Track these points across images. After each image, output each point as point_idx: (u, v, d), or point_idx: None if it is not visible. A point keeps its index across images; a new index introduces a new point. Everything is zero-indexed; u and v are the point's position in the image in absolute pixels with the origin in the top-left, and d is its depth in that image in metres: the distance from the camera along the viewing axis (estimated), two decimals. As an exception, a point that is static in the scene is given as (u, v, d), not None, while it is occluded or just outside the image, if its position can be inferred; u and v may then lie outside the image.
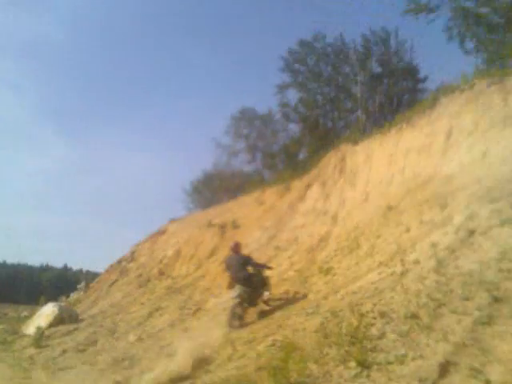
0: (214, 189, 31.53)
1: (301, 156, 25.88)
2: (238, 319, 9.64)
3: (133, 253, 24.10)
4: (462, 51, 18.48)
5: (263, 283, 10.20)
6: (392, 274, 7.75)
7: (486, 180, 9.48)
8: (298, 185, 17.81)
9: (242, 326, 9.53)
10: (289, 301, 10.13)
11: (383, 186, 13.17)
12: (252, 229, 16.98)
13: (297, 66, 25.58)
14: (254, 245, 15.33)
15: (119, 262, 24.35)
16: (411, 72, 24.49)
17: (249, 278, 10.00)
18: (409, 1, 18.17)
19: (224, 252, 16.54)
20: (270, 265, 11.18)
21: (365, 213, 12.51)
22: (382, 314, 6.14)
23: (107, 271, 24.55)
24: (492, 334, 4.67)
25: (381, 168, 13.93)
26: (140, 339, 11.99)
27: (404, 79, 24.51)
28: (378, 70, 24.72)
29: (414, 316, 5.67)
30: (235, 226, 18.49)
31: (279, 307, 9.91)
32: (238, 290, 9.87)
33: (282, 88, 25.78)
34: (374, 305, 6.62)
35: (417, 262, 7.50)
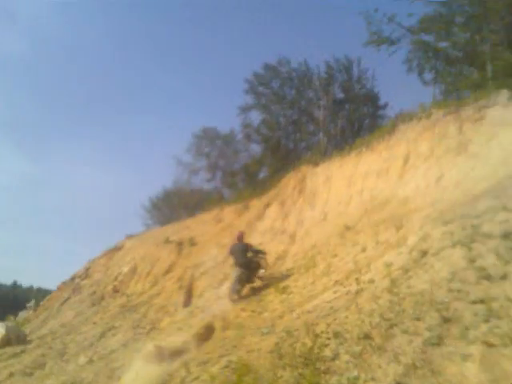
0: (173, 206, 31.27)
1: (261, 176, 26.10)
2: (236, 293, 11.44)
3: (87, 269, 23.37)
4: (420, 82, 19.19)
5: (257, 266, 12.07)
6: (347, 294, 7.78)
7: (439, 203, 9.76)
8: (256, 204, 17.84)
9: (240, 298, 11.34)
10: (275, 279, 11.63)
11: (341, 206, 13.36)
12: (209, 246, 16.81)
13: (261, 88, 26.00)
14: (210, 262, 15.16)
15: (72, 278, 23.53)
16: (372, 99, 25.35)
17: (248, 263, 11.84)
18: (371, 33, 18.76)
19: (181, 269, 16.34)
20: (263, 250, 12.64)
21: (322, 232, 12.62)
22: (336, 335, 6.10)
23: (59, 288, 23.64)
24: (442, 355, 4.68)
25: (340, 189, 14.16)
26: (91, 361, 11.54)
27: (365, 105, 25.32)
28: (341, 95, 25.44)
29: (367, 336, 5.65)
30: (193, 243, 18.28)
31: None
32: (237, 271, 11.66)
33: (245, 109, 26.04)
34: (329, 325, 6.57)
35: (371, 281, 7.55)
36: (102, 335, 13.75)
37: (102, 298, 18.21)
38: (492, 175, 9.08)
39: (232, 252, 12.24)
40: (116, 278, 19.38)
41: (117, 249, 23.77)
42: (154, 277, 17.56)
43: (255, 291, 11.57)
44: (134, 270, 19.14)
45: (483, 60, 15.57)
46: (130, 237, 25.03)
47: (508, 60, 14.55)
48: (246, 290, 11.75)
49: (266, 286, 11.53)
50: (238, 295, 11.43)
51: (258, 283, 11.93)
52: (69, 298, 20.80)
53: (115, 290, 18.32)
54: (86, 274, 22.89)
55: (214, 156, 29.05)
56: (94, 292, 19.46)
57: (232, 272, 12.04)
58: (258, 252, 12.29)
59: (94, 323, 15.54)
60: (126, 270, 19.62)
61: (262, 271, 12.06)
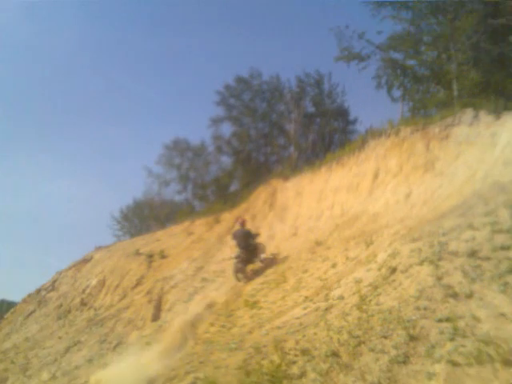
0: (143, 217, 31.05)
1: (232, 188, 26.08)
2: (241, 273, 12.78)
3: (54, 281, 22.75)
4: (389, 98, 19.57)
5: (256, 248, 13.28)
6: (316, 310, 7.77)
7: (408, 220, 9.92)
8: (227, 217, 17.81)
9: (246, 277, 12.60)
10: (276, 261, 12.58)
11: (312, 221, 13.46)
12: (180, 259, 16.64)
13: (232, 100, 25.99)
14: (180, 275, 14.97)
15: (38, 291, 22.87)
16: (342, 113, 25.79)
17: (248, 246, 13.09)
18: (342, 49, 19.10)
19: (150, 282, 16.11)
20: (258, 232, 14.18)
21: (293, 247, 12.67)
22: (304, 352, 6.07)
23: (24, 301, 22.91)
24: (407, 374, 4.70)
25: (310, 204, 14.28)
26: (54, 377, 11.25)
27: (335, 120, 25.66)
28: (312, 109, 25.80)
29: (335, 354, 5.65)
30: (163, 255, 18.06)
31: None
32: (237, 252, 13.00)
33: (217, 121, 26.01)
34: (297, 341, 6.55)
35: (341, 297, 7.58)
36: (67, 350, 13.40)
37: (69, 312, 17.76)
38: (458, 193, 9.28)
39: (235, 236, 13.57)
40: (84, 291, 18.93)
41: (85, 260, 23.23)
42: (122, 290, 17.22)
43: (257, 273, 12.79)
44: (102, 283, 18.73)
45: (449, 79, 16.00)
46: (99, 248, 24.55)
47: (473, 79, 15.00)
48: (248, 271, 13.00)
49: (236, 301, 11.44)
50: (242, 274, 12.80)
51: (258, 265, 13.15)
52: (34, 311, 20.21)
53: (82, 303, 17.88)
54: (53, 286, 22.29)
55: (185, 168, 28.96)
56: (61, 305, 18.96)
57: (233, 253, 13.41)
58: (256, 236, 13.67)
59: (60, 337, 15.15)
60: (94, 282, 19.19)
61: (263, 255, 13.23)
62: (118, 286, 17.73)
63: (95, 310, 16.76)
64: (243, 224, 14.01)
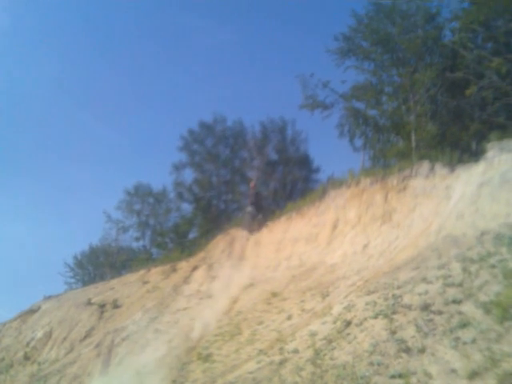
0: (98, 264, 29.96)
1: (191, 236, 25.62)
2: (252, 224, 16.45)
3: (-4, 334, 21.38)
4: (351, 147, 19.94)
5: (261, 204, 17.90)
6: (271, 364, 7.49)
7: (365, 271, 9.92)
8: (184, 266, 17.40)
9: (254, 228, 16.18)
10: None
11: (269, 271, 13.32)
12: (133, 309, 15.97)
13: (195, 146, 25.74)
14: (133, 327, 14.27)
15: (-22, 344, 21.40)
16: (305, 162, 25.80)
17: (257, 202, 17.43)
18: (306, 96, 19.50)
19: (101, 334, 15.38)
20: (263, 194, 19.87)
21: (249, 298, 12.39)
22: (255, 411, 5.80)
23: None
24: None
25: (268, 254, 14.20)
26: None
27: (298, 168, 25.63)
28: (275, 156, 25.70)
29: (287, 412, 5.40)
30: (116, 305, 17.29)
31: None
32: (249, 208, 17.18)
33: (179, 167, 25.63)
34: (250, 399, 6.27)
35: (295, 351, 7.35)
36: (6, 408, 12.44)
37: (11, 366, 16.56)
38: (413, 245, 9.38)
39: (249, 195, 18.17)
40: (28, 344, 17.77)
41: (32, 311, 21.92)
42: (70, 343, 16.28)
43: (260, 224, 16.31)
44: (48, 335, 17.66)
45: (408, 130, 16.44)
46: (48, 298, 23.29)
47: (430, 131, 15.48)
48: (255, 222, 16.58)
49: (189, 353, 10.93)
50: (252, 226, 16.33)
51: (261, 216, 16.85)
52: (-28, 366, 18.81)
53: (26, 358, 16.72)
54: (-5, 338, 20.91)
55: (145, 214, 28.42)
56: (3, 359, 17.68)
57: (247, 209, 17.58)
58: (262, 197, 18.72)
59: (-2, 395, 14.10)
60: (40, 334, 18.07)
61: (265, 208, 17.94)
62: (65, 339, 16.76)
63: (39, 364, 15.70)
64: (253, 186, 18.20)
